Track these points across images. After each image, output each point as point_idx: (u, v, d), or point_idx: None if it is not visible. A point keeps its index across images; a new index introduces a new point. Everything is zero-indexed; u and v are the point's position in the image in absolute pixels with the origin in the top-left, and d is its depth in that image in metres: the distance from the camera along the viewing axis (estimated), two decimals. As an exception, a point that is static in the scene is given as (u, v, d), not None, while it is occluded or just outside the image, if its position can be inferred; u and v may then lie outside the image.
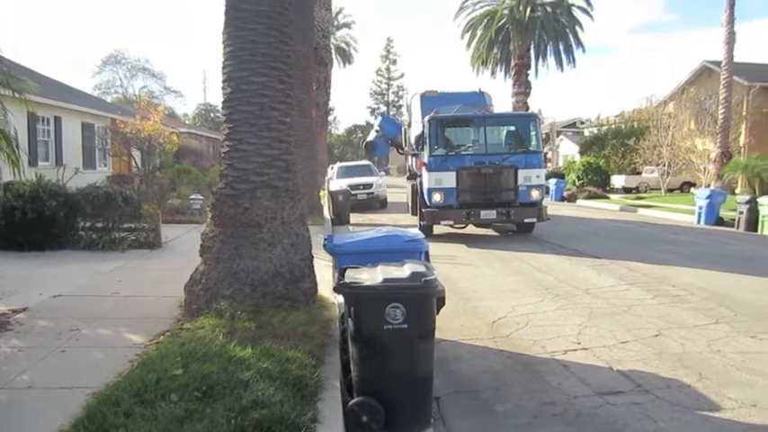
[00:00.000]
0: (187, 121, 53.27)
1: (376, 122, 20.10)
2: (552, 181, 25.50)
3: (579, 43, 32.67)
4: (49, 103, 16.50)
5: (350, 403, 3.73)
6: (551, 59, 32.90)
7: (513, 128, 13.95)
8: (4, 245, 9.20)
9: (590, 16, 32.53)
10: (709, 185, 22.37)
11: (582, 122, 44.82)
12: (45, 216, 9.29)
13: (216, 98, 61.27)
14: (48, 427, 3.30)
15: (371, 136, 19.35)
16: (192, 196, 15.59)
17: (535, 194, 12.64)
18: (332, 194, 16.99)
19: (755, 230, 14.11)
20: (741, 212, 14.59)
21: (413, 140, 15.13)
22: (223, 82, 5.87)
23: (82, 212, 9.97)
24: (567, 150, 41.64)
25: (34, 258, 8.83)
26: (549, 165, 16.91)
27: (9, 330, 5.24)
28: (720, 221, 15.68)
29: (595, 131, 37.32)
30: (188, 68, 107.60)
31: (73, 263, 8.58)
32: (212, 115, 57.83)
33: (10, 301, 6.05)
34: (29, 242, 9.27)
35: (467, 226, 13.52)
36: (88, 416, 3.27)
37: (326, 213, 16.64)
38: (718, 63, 25.37)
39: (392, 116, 16.11)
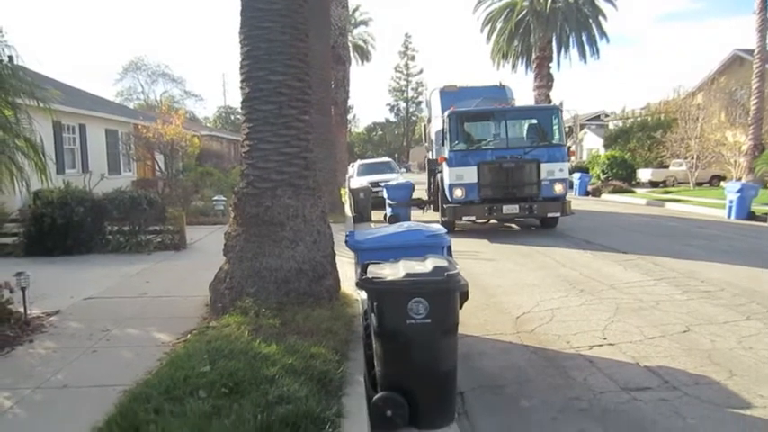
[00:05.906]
0: (208, 124, 53.87)
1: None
2: (576, 175, 25.08)
3: (603, 34, 32.00)
4: (74, 112, 16.85)
5: (374, 398, 3.74)
6: (574, 51, 32.28)
7: (534, 121, 13.76)
8: (35, 250, 9.47)
9: (614, 5, 31.93)
10: (740, 179, 21.79)
11: (606, 115, 44.09)
12: (73, 222, 9.55)
13: (235, 101, 61.89)
14: (82, 424, 3.39)
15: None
16: (215, 197, 15.79)
17: (558, 188, 12.47)
18: (353, 192, 17.04)
19: (789, 224, 13.72)
20: (774, 206, 14.16)
21: (433, 136, 15.06)
22: (241, 82, 5.93)
23: (109, 217, 10.20)
24: (592, 144, 41.02)
25: (64, 263, 9.05)
26: (572, 158, 16.54)
27: (43, 332, 5.40)
28: (752, 216, 15.20)
29: (620, 124, 36.58)
30: (208, 72, 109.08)
31: (101, 266, 8.77)
32: (232, 117, 58.28)
33: (43, 305, 6.21)
34: (58, 247, 9.51)
35: (489, 221, 13.42)
36: (120, 413, 3.34)
37: (348, 211, 16.69)
38: (750, 51, 24.64)
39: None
